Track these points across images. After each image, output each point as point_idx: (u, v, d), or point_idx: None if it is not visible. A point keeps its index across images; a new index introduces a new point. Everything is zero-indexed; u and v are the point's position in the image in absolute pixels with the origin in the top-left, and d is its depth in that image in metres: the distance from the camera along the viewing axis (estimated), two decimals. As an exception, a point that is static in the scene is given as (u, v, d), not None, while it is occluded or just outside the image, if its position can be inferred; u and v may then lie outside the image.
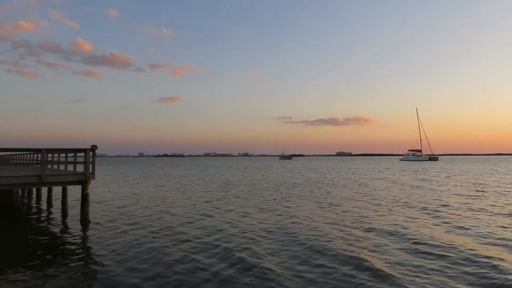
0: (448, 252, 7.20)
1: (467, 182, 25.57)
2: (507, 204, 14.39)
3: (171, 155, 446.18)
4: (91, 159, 10.91)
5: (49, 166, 16.66)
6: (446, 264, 6.41)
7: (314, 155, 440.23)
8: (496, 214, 11.99)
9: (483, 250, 7.34)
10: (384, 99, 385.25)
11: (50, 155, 15.54)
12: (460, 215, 11.83)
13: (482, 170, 46.26)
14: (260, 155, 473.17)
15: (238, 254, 7.04)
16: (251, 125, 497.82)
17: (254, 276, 5.83)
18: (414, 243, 7.99)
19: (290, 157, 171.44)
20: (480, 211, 12.64)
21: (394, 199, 16.21)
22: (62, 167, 19.94)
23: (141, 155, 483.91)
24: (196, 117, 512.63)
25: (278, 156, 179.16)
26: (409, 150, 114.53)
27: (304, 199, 16.42)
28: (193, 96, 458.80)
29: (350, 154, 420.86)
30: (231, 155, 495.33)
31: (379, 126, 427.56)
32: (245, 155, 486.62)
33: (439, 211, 12.67)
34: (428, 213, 12.18)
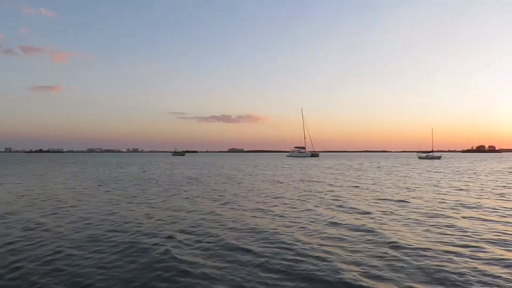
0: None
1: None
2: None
3: (48, 151, 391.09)
4: None
5: None
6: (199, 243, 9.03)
7: (207, 151, 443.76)
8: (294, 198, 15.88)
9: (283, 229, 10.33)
10: (274, 99, 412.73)
11: None
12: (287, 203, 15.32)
13: (345, 164, 55.43)
14: (151, 151, 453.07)
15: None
16: (141, 120, 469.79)
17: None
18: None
19: (183, 153, 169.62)
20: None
21: (235, 192, 19.13)
22: None
23: (8, 150, 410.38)
24: (79, 109, 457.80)
25: (171, 152, 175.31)
26: (294, 147, 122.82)
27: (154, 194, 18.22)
28: (76, 85, 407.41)
29: (242, 151, 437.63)
30: (119, 151, 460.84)
31: (269, 124, 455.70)
32: (135, 151, 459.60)
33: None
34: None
